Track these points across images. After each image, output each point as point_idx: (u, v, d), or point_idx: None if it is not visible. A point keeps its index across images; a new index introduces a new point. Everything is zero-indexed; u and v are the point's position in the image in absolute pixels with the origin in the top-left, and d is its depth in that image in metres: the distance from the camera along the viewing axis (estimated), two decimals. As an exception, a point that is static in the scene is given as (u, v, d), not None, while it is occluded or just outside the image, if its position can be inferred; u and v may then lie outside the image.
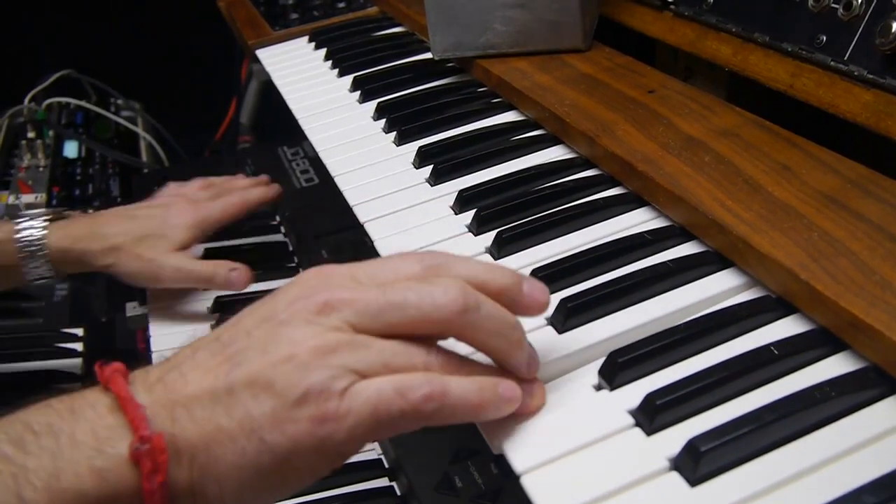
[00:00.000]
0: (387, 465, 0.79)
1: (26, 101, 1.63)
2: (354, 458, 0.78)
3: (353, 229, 1.11)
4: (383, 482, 0.77)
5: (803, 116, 0.68)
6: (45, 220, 0.86)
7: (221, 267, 0.91)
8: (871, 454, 0.41)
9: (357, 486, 0.76)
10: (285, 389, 0.41)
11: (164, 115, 1.82)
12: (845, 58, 0.65)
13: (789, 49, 0.70)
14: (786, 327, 0.49)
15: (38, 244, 0.85)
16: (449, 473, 0.73)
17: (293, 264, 1.10)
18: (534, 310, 0.47)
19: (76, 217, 0.92)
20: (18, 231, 0.85)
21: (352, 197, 0.73)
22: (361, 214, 0.70)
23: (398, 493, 0.76)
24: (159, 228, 0.91)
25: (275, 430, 0.40)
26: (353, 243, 1.10)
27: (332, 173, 0.78)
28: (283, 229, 1.19)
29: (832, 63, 0.66)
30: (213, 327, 0.97)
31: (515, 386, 0.45)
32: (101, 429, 0.40)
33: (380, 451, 0.81)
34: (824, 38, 0.67)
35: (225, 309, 0.98)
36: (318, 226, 1.12)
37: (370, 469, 0.78)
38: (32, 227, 0.85)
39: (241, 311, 0.46)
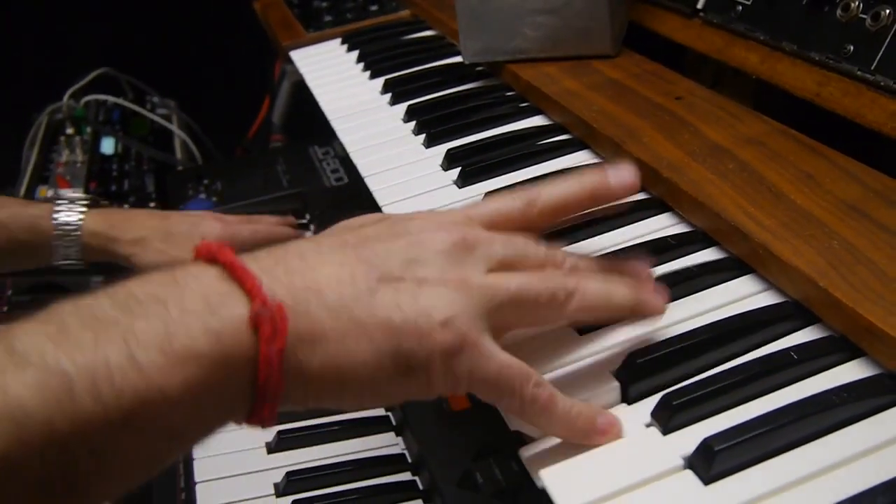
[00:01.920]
0: (410, 461, 0.81)
1: (65, 98, 1.67)
2: (379, 452, 0.81)
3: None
4: (406, 476, 0.79)
5: (829, 126, 0.68)
6: (83, 205, 0.90)
7: None
8: (884, 458, 0.41)
9: (381, 480, 0.78)
10: (430, 309, 0.41)
11: (198, 114, 1.86)
12: (872, 68, 0.66)
13: (817, 58, 0.70)
14: (804, 333, 0.50)
15: (74, 225, 0.88)
16: (471, 470, 0.75)
17: (322, 262, 1.12)
18: (626, 190, 0.53)
19: (112, 208, 0.96)
20: (57, 211, 0.88)
21: (381, 197, 0.75)
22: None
23: (421, 487, 0.78)
24: (187, 231, 0.94)
25: (413, 340, 0.41)
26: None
27: (363, 174, 0.80)
28: (312, 227, 1.21)
29: (859, 73, 0.66)
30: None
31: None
32: (213, 295, 0.39)
33: (404, 447, 0.82)
34: (852, 48, 0.68)
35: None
36: (348, 225, 1.14)
37: (394, 463, 0.80)
38: (71, 210, 0.89)
39: (351, 220, 0.48)
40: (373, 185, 0.77)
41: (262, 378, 0.38)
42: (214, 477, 0.78)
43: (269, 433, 0.83)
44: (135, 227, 0.92)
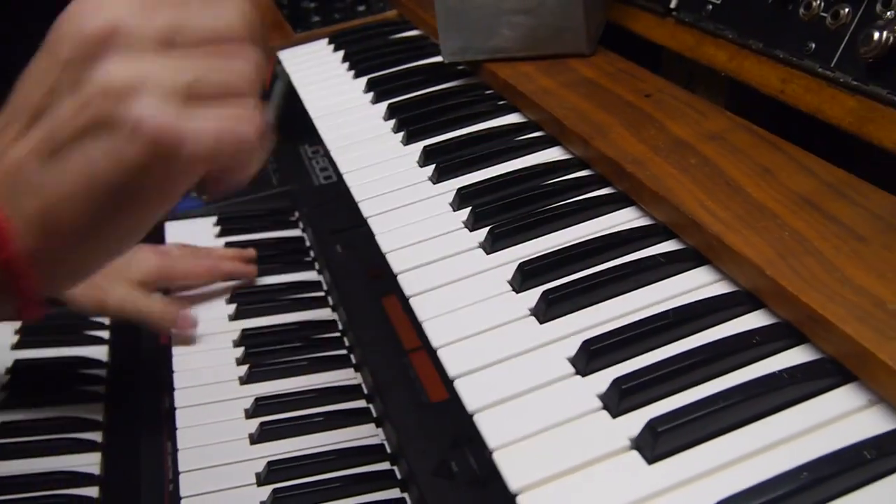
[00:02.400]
0: (389, 451, 0.82)
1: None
2: (357, 443, 0.83)
3: (367, 226, 1.15)
4: (384, 466, 0.81)
5: (795, 121, 0.70)
6: None
7: (172, 308, 0.96)
8: (819, 438, 0.43)
9: (359, 469, 0.80)
10: (114, 125, 0.39)
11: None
12: (832, 65, 0.67)
13: (781, 56, 0.72)
14: (752, 321, 0.52)
15: None
16: (446, 459, 0.77)
17: (309, 258, 1.15)
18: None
19: None
20: None
21: (357, 193, 0.77)
22: (365, 210, 0.74)
23: (398, 476, 0.80)
24: (120, 264, 0.93)
25: (114, 165, 0.40)
26: (366, 238, 1.14)
27: (341, 170, 0.81)
28: (300, 225, 1.23)
29: (820, 70, 0.68)
30: (231, 318, 1.02)
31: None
32: None
33: (383, 437, 0.84)
34: (813, 46, 0.69)
35: (244, 305, 1.03)
36: (334, 222, 1.16)
37: (373, 454, 0.82)
38: None
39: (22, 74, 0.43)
40: (350, 180, 0.79)
41: (15, 281, 0.41)
42: (198, 467, 0.80)
43: (253, 425, 0.85)
44: None
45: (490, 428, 0.48)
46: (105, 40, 0.40)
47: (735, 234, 0.55)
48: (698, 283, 0.56)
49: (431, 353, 0.89)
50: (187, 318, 0.97)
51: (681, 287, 0.56)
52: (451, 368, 0.53)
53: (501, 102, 0.88)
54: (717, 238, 0.55)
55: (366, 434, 0.85)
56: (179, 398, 0.89)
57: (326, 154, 1.37)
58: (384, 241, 0.68)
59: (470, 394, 0.51)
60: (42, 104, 0.41)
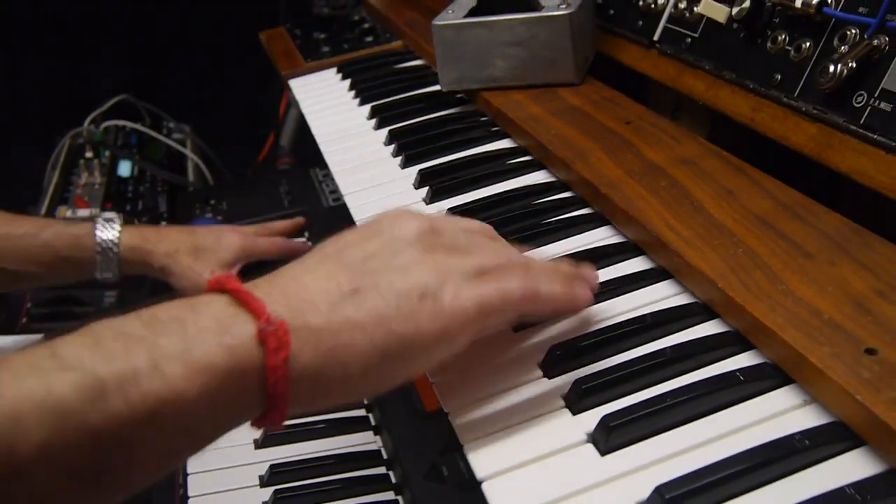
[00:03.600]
0: (385, 457, 0.87)
1: (86, 123, 1.77)
2: (355, 448, 0.88)
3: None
4: (380, 471, 0.86)
5: (767, 148, 0.75)
6: (119, 223, 1.02)
7: None
8: (757, 431, 0.48)
9: (357, 473, 0.85)
10: (409, 290, 0.48)
11: (212, 138, 1.95)
12: (795, 95, 0.72)
13: (751, 86, 0.77)
14: (706, 329, 0.56)
15: (114, 241, 1.00)
16: (437, 464, 0.81)
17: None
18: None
19: (145, 225, 1.07)
20: (97, 229, 1.00)
21: (356, 213, 0.82)
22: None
23: (393, 480, 0.84)
24: (212, 245, 1.07)
25: (401, 320, 0.47)
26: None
27: (343, 192, 0.87)
28: (310, 244, 1.29)
29: (785, 99, 0.73)
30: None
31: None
32: (225, 317, 0.44)
33: (380, 444, 0.89)
34: (779, 77, 0.74)
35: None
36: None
37: (369, 459, 0.87)
38: (110, 228, 1.01)
39: (336, 237, 0.53)
40: (351, 202, 0.85)
41: (271, 384, 0.44)
42: (205, 469, 0.85)
43: (257, 431, 0.90)
44: (166, 241, 1.04)
45: (461, 423, 0.53)
46: (433, 237, 0.52)
47: (694, 251, 0.59)
48: (661, 296, 0.61)
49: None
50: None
51: (646, 298, 0.61)
52: (431, 374, 0.58)
53: (495, 129, 0.94)
54: (678, 254, 0.60)
55: (364, 441, 0.89)
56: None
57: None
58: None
59: (445, 396, 0.55)
60: (358, 260, 0.50)
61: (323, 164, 1.50)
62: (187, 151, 1.85)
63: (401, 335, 0.47)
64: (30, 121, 1.92)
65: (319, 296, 0.47)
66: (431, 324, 0.48)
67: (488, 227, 0.59)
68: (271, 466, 0.84)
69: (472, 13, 0.95)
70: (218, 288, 0.47)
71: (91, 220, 1.03)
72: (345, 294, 0.47)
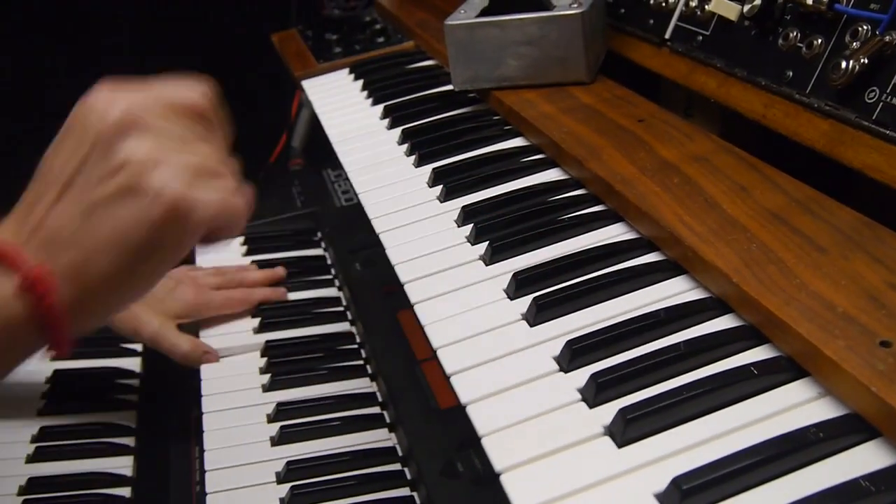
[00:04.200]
0: (400, 453, 0.88)
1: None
2: (371, 446, 0.89)
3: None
4: (396, 467, 0.86)
5: (779, 144, 0.75)
6: None
7: (198, 348, 1.03)
8: (772, 424, 0.48)
9: (372, 470, 0.85)
10: (115, 197, 0.48)
11: (224, 140, 1.96)
12: (807, 91, 0.73)
13: (763, 83, 0.78)
14: (721, 323, 0.57)
15: None
16: (453, 460, 0.82)
17: (330, 276, 1.21)
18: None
19: None
20: None
21: (371, 211, 0.83)
22: (378, 226, 0.80)
23: (408, 477, 0.85)
24: (160, 297, 1.03)
25: (136, 229, 0.48)
26: (384, 256, 1.20)
27: (357, 191, 0.88)
28: (322, 244, 1.30)
29: (797, 95, 0.74)
30: (255, 331, 1.08)
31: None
32: None
33: (395, 441, 0.90)
34: (791, 74, 0.75)
35: (268, 319, 1.09)
36: (354, 241, 1.23)
37: (385, 455, 0.87)
38: None
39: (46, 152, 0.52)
40: (365, 200, 0.86)
41: (51, 325, 0.48)
42: (223, 466, 0.86)
43: (274, 429, 0.91)
44: None
45: (480, 417, 0.53)
46: (127, 125, 0.49)
47: (708, 246, 0.60)
48: (676, 291, 0.61)
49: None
50: (211, 357, 1.03)
51: (661, 294, 0.61)
52: (448, 366, 0.58)
53: (507, 127, 0.94)
54: (692, 250, 0.60)
55: (379, 438, 0.90)
56: (206, 404, 0.95)
57: (348, 177, 1.44)
58: (394, 254, 0.75)
59: (463, 388, 0.56)
60: (73, 175, 0.49)
61: (335, 165, 1.52)
62: (199, 153, 1.86)
63: (140, 241, 0.48)
64: (41, 123, 1.94)
65: (60, 227, 0.48)
66: (164, 216, 0.48)
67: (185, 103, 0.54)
68: (288, 463, 0.85)
69: (483, 13, 0.96)
70: None
71: None
72: (77, 220, 0.48)
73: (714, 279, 0.59)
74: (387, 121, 1.03)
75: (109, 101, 0.50)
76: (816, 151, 0.71)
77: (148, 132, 0.49)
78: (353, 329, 1.09)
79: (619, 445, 0.49)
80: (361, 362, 1.03)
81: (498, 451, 0.50)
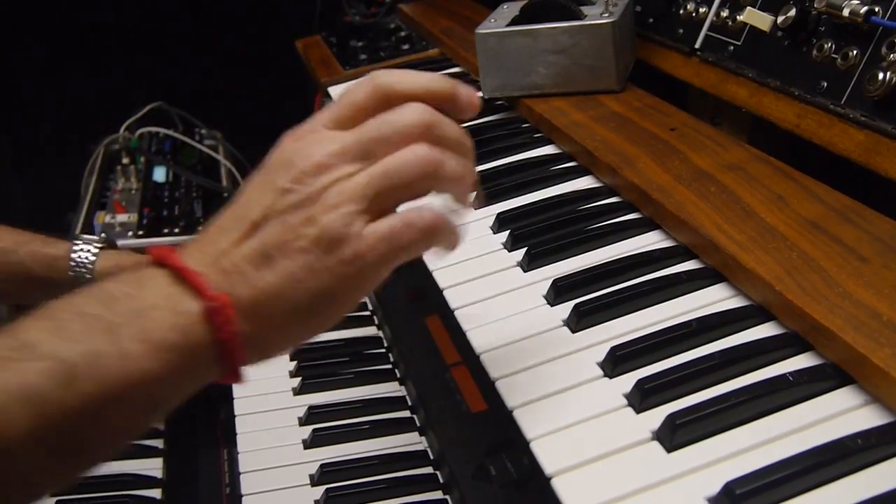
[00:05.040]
0: (432, 457, 0.89)
1: (122, 130, 1.80)
2: (403, 450, 0.90)
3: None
4: (428, 470, 0.87)
5: (810, 153, 0.76)
6: (98, 246, 0.95)
7: None
8: (819, 431, 0.49)
9: (405, 473, 0.86)
10: (311, 246, 0.48)
11: (243, 144, 1.98)
12: (842, 102, 0.74)
13: (796, 93, 0.79)
14: (763, 331, 0.58)
15: (88, 266, 0.93)
16: (485, 464, 0.83)
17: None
18: (470, 109, 0.55)
19: (124, 251, 1.02)
20: (74, 251, 0.94)
21: (406, 217, 0.84)
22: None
23: (441, 480, 0.86)
24: None
25: (314, 278, 0.48)
26: (408, 262, 1.22)
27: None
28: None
29: (831, 106, 0.74)
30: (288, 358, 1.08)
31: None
32: (172, 295, 0.47)
33: (426, 444, 0.91)
34: (825, 84, 0.76)
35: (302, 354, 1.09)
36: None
37: (417, 459, 0.88)
38: (87, 251, 0.94)
39: (238, 190, 0.52)
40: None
41: (226, 354, 0.47)
42: (257, 468, 0.87)
43: (306, 432, 0.92)
44: None
45: (527, 422, 0.54)
46: (312, 171, 0.49)
47: (748, 254, 0.61)
48: (716, 298, 0.62)
49: (472, 366, 0.96)
50: None
51: (701, 301, 0.62)
52: (493, 371, 0.59)
53: (537, 135, 0.95)
54: (732, 258, 0.61)
55: (410, 441, 0.91)
56: (239, 406, 0.96)
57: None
58: (431, 259, 0.75)
59: (508, 392, 0.57)
60: (267, 215, 0.49)
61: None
62: (220, 157, 1.87)
63: (317, 291, 0.48)
64: (67, 128, 1.96)
65: (240, 262, 0.49)
66: (343, 272, 0.49)
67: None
68: (322, 466, 0.86)
69: (514, 22, 0.97)
70: (160, 262, 0.49)
71: (70, 241, 0.96)
72: (259, 259, 0.49)
73: (755, 287, 0.59)
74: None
75: (313, 143, 0.50)
76: (851, 161, 0.72)
77: (350, 185, 0.49)
78: (381, 333, 1.10)
79: (669, 450, 0.50)
80: (390, 366, 1.03)
81: (548, 455, 0.51)
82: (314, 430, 0.91)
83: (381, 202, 0.50)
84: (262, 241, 0.49)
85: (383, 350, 1.07)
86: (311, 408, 0.94)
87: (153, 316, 0.46)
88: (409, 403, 0.97)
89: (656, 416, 0.52)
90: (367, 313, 1.14)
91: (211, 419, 1.06)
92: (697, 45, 0.93)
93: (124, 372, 0.44)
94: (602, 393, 0.55)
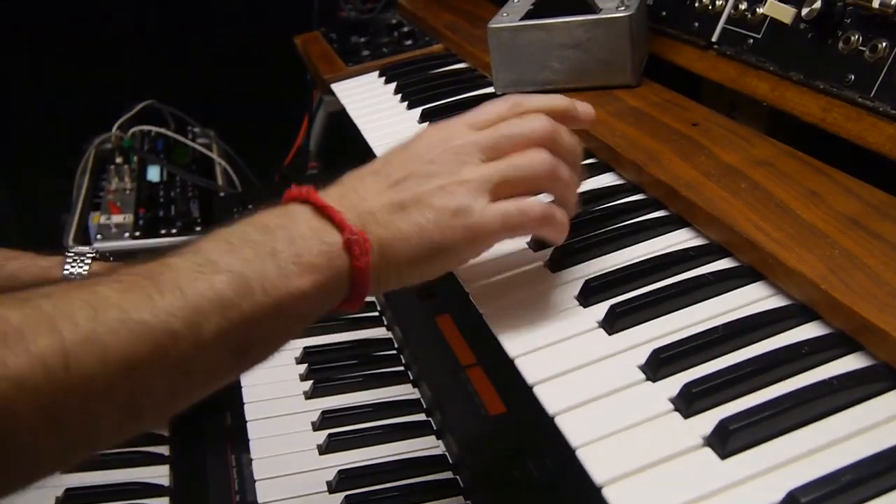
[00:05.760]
0: (451, 461, 0.87)
1: (114, 129, 1.76)
2: (421, 454, 0.88)
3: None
4: (448, 475, 0.85)
5: (833, 147, 0.75)
6: (90, 258, 0.94)
7: None
8: (876, 434, 0.48)
9: (424, 478, 0.85)
10: (443, 208, 0.59)
11: (237, 143, 1.95)
12: (872, 95, 0.72)
13: (821, 86, 0.77)
14: (808, 330, 0.56)
15: (81, 277, 0.91)
16: (508, 468, 0.81)
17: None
18: (588, 119, 0.70)
19: (116, 263, 0.98)
20: (67, 263, 0.92)
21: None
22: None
23: (461, 485, 0.84)
24: None
25: (438, 233, 0.59)
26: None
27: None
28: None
29: (860, 99, 0.73)
30: (297, 360, 1.05)
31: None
32: (317, 228, 0.56)
33: (443, 448, 0.89)
34: (853, 77, 0.74)
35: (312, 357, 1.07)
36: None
37: (436, 463, 0.86)
38: (79, 263, 0.93)
39: (380, 157, 0.64)
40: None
41: (357, 281, 0.57)
42: (273, 475, 0.85)
43: (320, 437, 0.90)
44: None
45: (571, 428, 0.52)
46: (453, 153, 0.61)
47: (789, 253, 0.59)
48: (756, 297, 0.60)
49: (488, 368, 0.94)
50: None
51: (740, 300, 0.60)
52: (530, 376, 0.57)
53: (552, 131, 0.93)
54: (772, 256, 0.60)
55: (427, 445, 0.89)
56: (250, 411, 0.94)
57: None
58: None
59: (548, 398, 0.55)
60: (401, 178, 0.60)
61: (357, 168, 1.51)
62: (214, 156, 1.84)
63: (438, 244, 0.59)
64: (55, 128, 1.92)
65: (377, 209, 0.59)
66: (463, 235, 0.60)
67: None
68: (339, 472, 0.84)
69: (527, 16, 0.95)
70: (302, 198, 0.58)
71: (61, 253, 0.94)
72: (395, 208, 0.59)
73: (798, 286, 0.58)
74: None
75: (456, 133, 0.63)
76: (882, 155, 0.70)
77: (481, 169, 0.61)
78: (390, 334, 1.08)
79: (723, 457, 0.48)
80: (402, 368, 1.02)
81: (597, 464, 0.49)
82: (329, 436, 0.89)
83: (502, 190, 0.61)
84: (401, 195, 0.59)
85: (394, 351, 1.05)
86: (324, 412, 0.92)
87: (304, 244, 0.55)
88: (425, 406, 0.95)
89: (706, 420, 0.50)
90: (376, 314, 1.12)
91: (217, 424, 1.04)
92: (714, 39, 0.92)
93: (284, 287, 0.53)
94: (646, 397, 0.54)
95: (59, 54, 1.95)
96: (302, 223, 0.56)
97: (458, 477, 0.85)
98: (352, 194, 0.59)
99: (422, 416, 0.93)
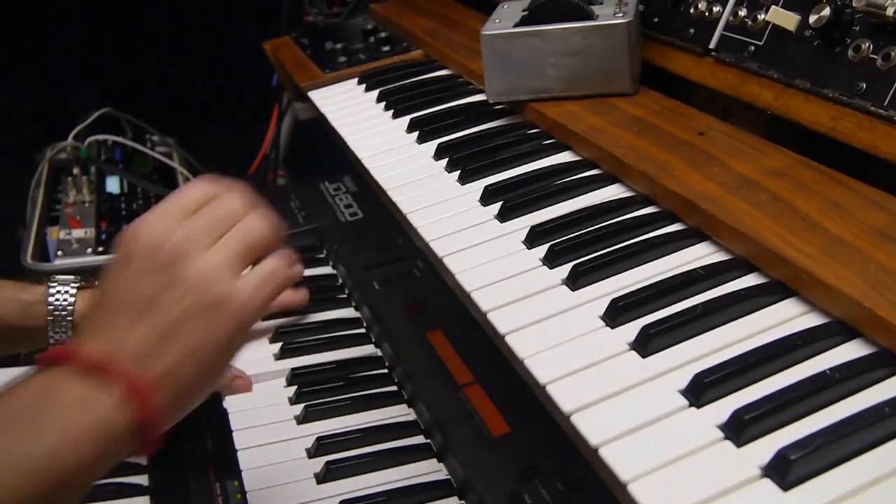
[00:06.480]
0: (456, 486, 0.83)
1: (70, 138, 1.68)
2: (425, 479, 0.84)
3: (401, 262, 1.17)
4: (454, 502, 0.82)
5: (836, 155, 0.74)
6: (75, 287, 0.89)
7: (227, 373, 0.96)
8: (942, 461, 0.46)
9: (432, 504, 0.81)
10: (202, 307, 0.57)
11: (198, 151, 1.88)
12: (885, 103, 0.71)
13: (830, 95, 0.76)
14: (851, 349, 0.55)
15: (68, 308, 0.87)
16: (519, 492, 0.78)
17: (344, 295, 1.16)
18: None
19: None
20: (51, 294, 0.87)
21: (427, 233, 0.78)
22: (439, 250, 0.75)
23: (468, 510, 0.81)
24: None
25: (211, 333, 0.57)
26: (402, 274, 1.16)
27: (404, 211, 0.83)
28: (330, 262, 1.24)
29: (872, 108, 0.72)
30: (277, 357, 1.02)
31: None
32: (88, 396, 0.53)
33: (447, 472, 0.85)
34: (864, 86, 0.73)
35: (288, 345, 1.03)
36: (367, 258, 1.18)
37: (441, 488, 0.83)
38: (65, 293, 0.88)
39: (105, 285, 0.60)
40: (416, 221, 0.81)
41: (147, 429, 0.55)
42: (269, 508, 0.81)
43: (316, 465, 0.86)
44: None
45: (618, 461, 0.50)
46: (179, 252, 0.58)
47: (825, 269, 0.58)
48: (791, 315, 0.59)
49: (487, 387, 0.91)
50: (242, 384, 0.97)
51: (774, 318, 0.58)
52: (565, 405, 0.54)
53: (549, 141, 0.91)
54: (805, 272, 0.58)
55: (430, 469, 0.86)
56: (239, 440, 0.89)
57: (349, 191, 1.39)
58: (466, 280, 0.70)
59: (588, 428, 0.52)
60: (149, 299, 0.57)
61: (332, 178, 1.46)
62: (175, 164, 1.77)
63: (215, 343, 0.58)
64: (7, 137, 1.83)
65: (142, 347, 0.56)
66: (233, 323, 0.59)
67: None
68: (341, 503, 0.80)
69: (521, 22, 0.92)
70: (64, 360, 0.55)
71: (45, 283, 0.89)
72: (158, 341, 0.56)
73: (837, 302, 0.56)
74: (415, 135, 0.99)
75: (165, 227, 0.59)
76: (893, 163, 0.69)
77: (195, 246, 0.59)
78: (379, 351, 1.04)
79: (785, 489, 0.46)
80: (395, 388, 0.98)
81: (652, 500, 0.47)
82: (327, 464, 0.85)
83: (243, 262, 0.60)
84: (156, 321, 0.56)
85: (385, 370, 1.01)
86: (319, 439, 0.88)
87: (76, 421, 0.52)
88: (423, 427, 0.91)
89: (761, 449, 0.48)
90: (363, 331, 1.08)
91: (197, 449, 0.99)
92: (712, 46, 0.90)
93: (61, 467, 0.51)
94: (692, 424, 0.51)
95: (8, 59, 1.86)
96: (70, 396, 0.53)
97: (464, 502, 0.82)
98: (106, 336, 0.57)
99: (420, 439, 0.89)
